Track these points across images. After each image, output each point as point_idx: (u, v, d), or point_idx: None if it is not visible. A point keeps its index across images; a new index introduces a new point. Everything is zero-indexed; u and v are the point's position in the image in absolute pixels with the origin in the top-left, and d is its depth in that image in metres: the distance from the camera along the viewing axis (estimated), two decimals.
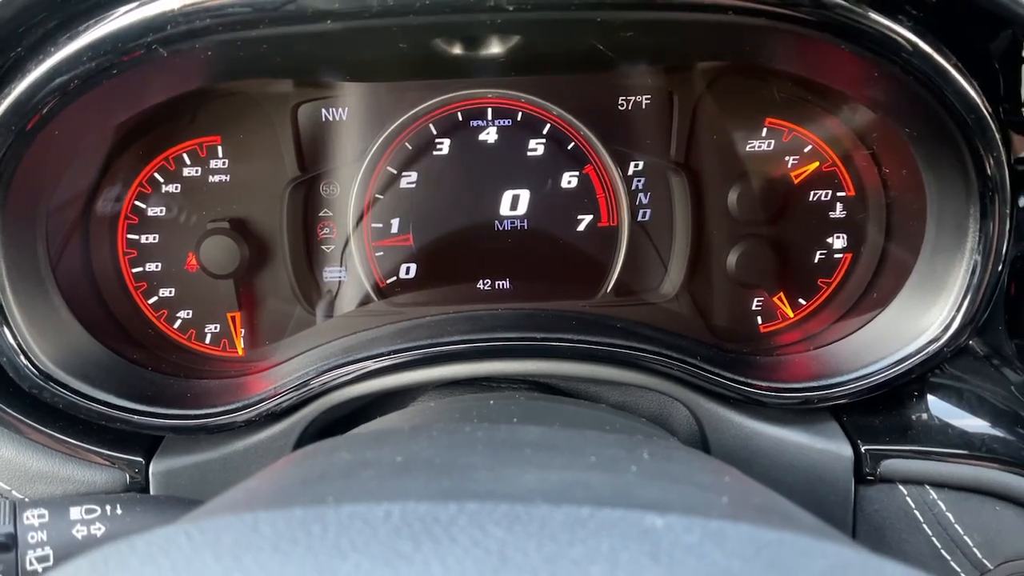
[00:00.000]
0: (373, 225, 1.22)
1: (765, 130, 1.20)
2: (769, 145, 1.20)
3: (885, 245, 1.18)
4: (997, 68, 0.95)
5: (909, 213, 1.10)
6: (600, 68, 1.16)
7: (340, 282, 1.24)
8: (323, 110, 1.19)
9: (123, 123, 1.07)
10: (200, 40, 0.83)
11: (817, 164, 1.20)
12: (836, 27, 0.86)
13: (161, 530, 0.47)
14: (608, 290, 1.25)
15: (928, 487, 1.00)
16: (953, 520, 0.99)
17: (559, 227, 1.23)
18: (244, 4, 0.80)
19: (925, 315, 1.03)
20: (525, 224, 1.22)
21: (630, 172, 1.22)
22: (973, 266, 0.99)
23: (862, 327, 1.11)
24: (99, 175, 1.15)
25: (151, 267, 1.20)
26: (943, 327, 1.01)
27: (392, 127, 1.19)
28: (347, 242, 1.23)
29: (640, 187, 1.23)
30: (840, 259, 1.23)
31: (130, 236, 1.19)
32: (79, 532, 0.77)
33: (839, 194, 1.21)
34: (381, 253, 1.23)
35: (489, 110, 1.20)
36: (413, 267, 1.24)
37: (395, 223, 1.22)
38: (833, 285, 1.24)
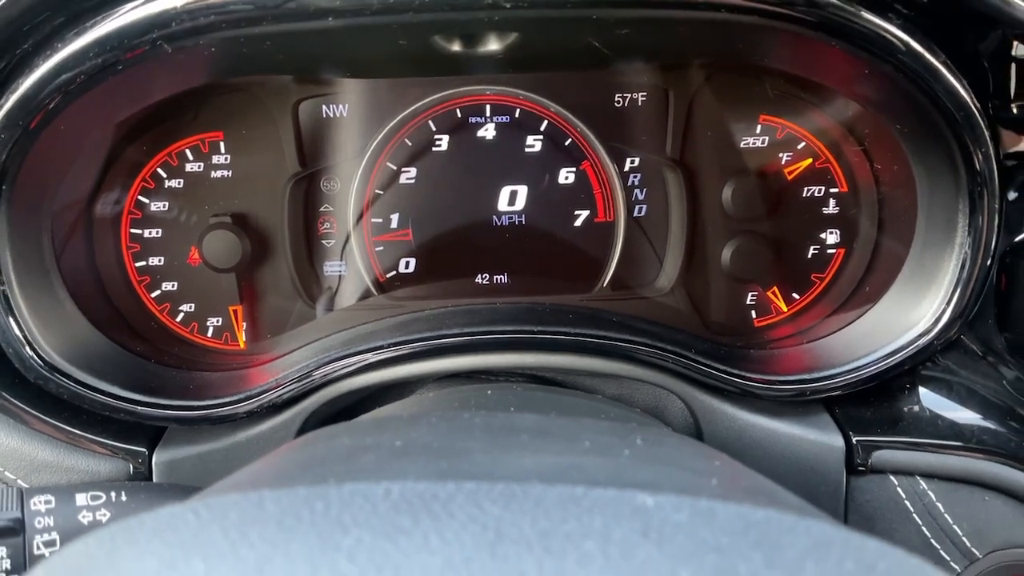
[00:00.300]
0: (373, 220, 1.24)
1: (759, 127, 1.22)
2: (763, 142, 1.22)
3: (877, 240, 1.20)
4: (986, 66, 0.96)
5: (900, 208, 1.12)
6: (597, 65, 1.18)
7: (340, 276, 1.26)
8: (324, 106, 1.20)
9: (127, 119, 1.08)
10: (204, 37, 0.85)
11: (810, 161, 1.22)
12: (828, 26, 0.87)
13: (169, 508, 0.49)
14: (604, 284, 1.26)
15: (918, 478, 1.01)
16: (943, 510, 1.00)
17: (556, 222, 1.24)
18: (247, 1, 0.82)
19: (916, 308, 1.05)
20: (523, 219, 1.24)
21: (626, 168, 1.24)
22: (963, 260, 1.00)
23: (854, 321, 1.13)
24: (103, 171, 1.16)
25: (154, 261, 1.21)
26: (933, 320, 1.02)
27: (392, 123, 1.21)
28: (347, 237, 1.24)
29: (636, 183, 1.25)
30: (833, 254, 1.24)
31: (133, 231, 1.20)
32: (85, 518, 0.79)
33: (832, 190, 1.23)
34: (381, 248, 1.25)
35: (487, 107, 1.21)
36: (412, 262, 1.25)
37: (395, 218, 1.24)
38: (826, 280, 1.25)
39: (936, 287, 1.03)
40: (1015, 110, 0.95)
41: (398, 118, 1.21)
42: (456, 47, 0.98)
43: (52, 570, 0.46)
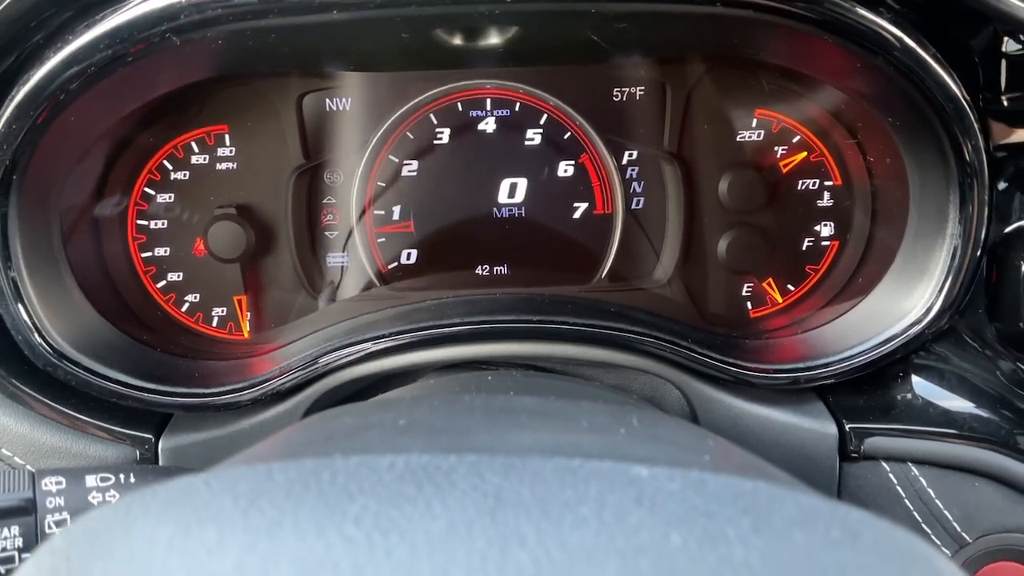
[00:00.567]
0: (375, 212, 1.26)
1: (755, 121, 1.23)
2: (759, 135, 1.24)
3: (870, 232, 1.22)
4: (977, 60, 0.98)
5: (893, 201, 1.14)
6: (596, 59, 1.20)
7: (343, 267, 1.28)
8: (327, 100, 1.22)
9: (133, 112, 1.10)
10: (211, 29, 0.87)
11: (805, 154, 1.24)
12: (822, 20, 0.89)
13: (181, 479, 0.51)
14: (603, 276, 1.28)
15: (910, 464, 1.03)
16: (934, 495, 1.02)
17: (555, 215, 1.26)
18: None
19: (908, 298, 1.06)
20: (522, 212, 1.26)
21: (624, 161, 1.26)
22: (953, 250, 1.02)
23: (848, 311, 1.14)
24: (110, 163, 1.18)
25: (160, 252, 1.23)
26: (925, 310, 1.04)
27: (394, 117, 1.23)
28: (350, 229, 1.26)
29: (634, 176, 1.27)
30: (827, 246, 1.26)
31: (140, 222, 1.22)
32: (94, 498, 0.81)
33: (826, 183, 1.24)
34: (383, 239, 1.27)
35: (488, 100, 1.23)
36: (414, 253, 1.27)
37: (396, 210, 1.26)
38: (821, 271, 1.27)
39: (928, 277, 1.05)
40: (1006, 103, 0.97)
41: (400, 111, 1.23)
42: (457, 40, 1.00)
43: (71, 538, 0.48)
